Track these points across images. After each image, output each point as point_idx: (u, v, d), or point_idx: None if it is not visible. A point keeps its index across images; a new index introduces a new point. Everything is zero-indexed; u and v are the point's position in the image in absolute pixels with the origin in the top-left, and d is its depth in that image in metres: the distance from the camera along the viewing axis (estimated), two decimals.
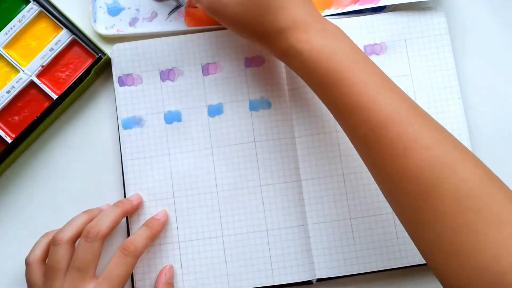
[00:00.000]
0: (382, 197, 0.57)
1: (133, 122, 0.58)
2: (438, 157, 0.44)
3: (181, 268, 0.56)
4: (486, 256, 0.40)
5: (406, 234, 0.56)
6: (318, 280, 0.57)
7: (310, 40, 0.49)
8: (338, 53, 0.48)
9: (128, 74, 0.59)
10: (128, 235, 0.57)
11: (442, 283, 0.44)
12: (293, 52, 0.49)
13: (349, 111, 0.47)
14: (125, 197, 0.58)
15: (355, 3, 0.60)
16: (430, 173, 0.43)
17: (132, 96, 0.59)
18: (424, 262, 0.55)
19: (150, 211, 0.57)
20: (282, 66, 0.59)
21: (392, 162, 0.45)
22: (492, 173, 0.45)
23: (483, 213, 0.41)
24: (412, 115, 0.46)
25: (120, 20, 0.60)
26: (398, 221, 0.56)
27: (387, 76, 0.49)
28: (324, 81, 0.48)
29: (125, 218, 0.57)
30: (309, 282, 0.57)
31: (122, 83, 0.59)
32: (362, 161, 0.57)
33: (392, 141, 0.45)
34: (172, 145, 0.58)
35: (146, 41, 0.59)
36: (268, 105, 0.58)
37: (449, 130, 0.57)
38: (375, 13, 0.60)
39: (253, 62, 0.59)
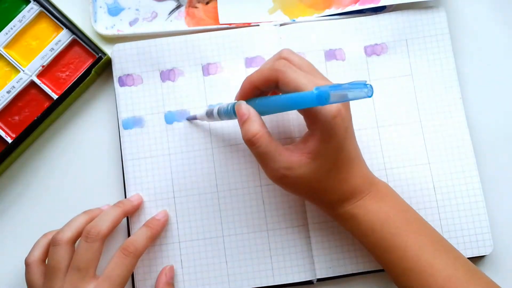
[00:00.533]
0: None
1: (134, 122, 0.58)
2: None
3: (182, 268, 0.56)
4: None
5: None
6: (318, 280, 0.57)
7: (365, 205, 0.50)
8: (391, 216, 0.50)
9: (128, 75, 0.59)
10: (129, 235, 0.57)
11: None
12: (347, 216, 0.50)
13: (407, 275, 0.48)
14: (125, 197, 0.58)
15: (356, 3, 0.60)
16: None
17: (132, 96, 0.59)
18: None
19: (151, 211, 0.57)
20: None
21: None
22: None
23: None
24: (469, 279, 0.47)
25: (121, 20, 0.61)
26: None
27: (441, 235, 0.51)
28: (379, 245, 0.49)
29: (125, 218, 0.57)
30: (309, 282, 0.57)
31: (122, 83, 0.59)
32: None
33: None
34: (173, 145, 0.58)
35: (146, 41, 0.59)
36: None
37: (450, 130, 0.57)
38: (376, 13, 0.60)
39: (253, 62, 0.59)
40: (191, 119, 0.58)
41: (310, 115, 0.48)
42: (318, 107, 0.46)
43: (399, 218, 0.50)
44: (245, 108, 0.48)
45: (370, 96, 0.42)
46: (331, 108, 0.46)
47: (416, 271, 0.47)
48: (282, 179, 0.49)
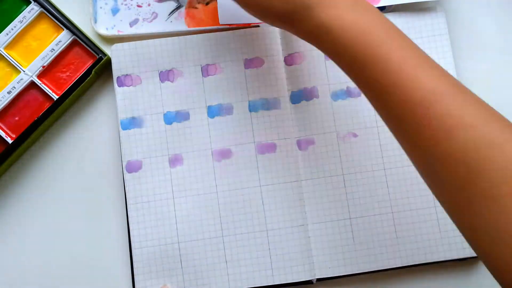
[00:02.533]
0: (381, 197, 0.57)
1: (132, 123, 0.58)
2: (484, 136, 0.41)
3: (181, 268, 0.56)
4: None
5: (405, 234, 0.56)
6: (318, 280, 0.57)
7: (341, 16, 0.45)
8: (371, 28, 0.45)
9: (127, 75, 0.59)
10: (129, 235, 0.57)
11: (494, 273, 0.40)
12: (322, 30, 0.45)
13: (386, 91, 0.44)
14: (125, 197, 0.57)
15: None
16: (477, 153, 0.40)
17: (131, 96, 0.59)
18: (424, 262, 0.56)
19: (150, 211, 0.57)
20: (282, 67, 0.59)
21: (435, 142, 0.42)
22: None
23: None
24: (454, 92, 0.43)
25: (121, 20, 0.60)
26: (398, 221, 0.57)
27: (425, 53, 0.46)
28: (357, 59, 0.45)
29: (125, 219, 0.58)
30: (309, 282, 0.57)
31: (121, 83, 0.59)
32: (361, 161, 0.57)
33: (434, 120, 0.42)
34: (172, 146, 0.58)
35: (145, 41, 0.59)
36: (268, 106, 0.58)
37: None
38: None
39: (252, 63, 0.59)
40: None
41: None
42: None
43: (380, 31, 0.45)
44: None
45: None
46: None
47: (398, 85, 0.43)
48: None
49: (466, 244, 0.56)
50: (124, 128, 0.58)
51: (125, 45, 0.59)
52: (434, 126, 0.42)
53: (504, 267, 0.39)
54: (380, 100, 0.45)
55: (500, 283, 0.40)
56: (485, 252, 0.41)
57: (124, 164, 0.58)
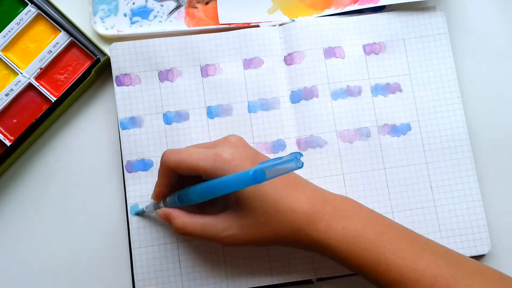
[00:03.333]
0: (381, 197, 0.57)
1: (132, 123, 0.58)
2: None
3: (181, 268, 0.57)
4: None
5: None
6: (318, 279, 0.57)
7: (329, 229, 0.49)
8: (360, 231, 0.49)
9: (125, 74, 0.58)
10: (129, 235, 0.57)
11: None
12: (318, 245, 0.49)
13: (394, 286, 0.47)
14: (125, 197, 0.57)
15: (355, 2, 0.60)
16: None
17: (130, 96, 0.58)
18: None
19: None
20: (281, 67, 0.59)
21: None
22: None
23: None
24: (455, 272, 0.47)
25: (120, 20, 0.60)
26: (398, 220, 0.57)
27: (412, 231, 0.50)
28: (359, 264, 0.48)
29: (125, 218, 0.58)
30: (309, 282, 0.57)
31: (119, 82, 0.58)
32: (361, 160, 0.57)
33: None
34: (171, 146, 0.58)
35: (144, 41, 0.59)
36: (267, 106, 0.58)
37: (448, 130, 0.58)
38: (375, 13, 0.60)
39: (251, 63, 0.59)
40: (140, 212, 0.58)
41: None
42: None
43: (368, 231, 0.49)
44: (161, 212, 0.53)
45: (300, 167, 0.43)
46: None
47: (402, 281, 0.47)
48: (232, 241, 0.50)
49: (466, 244, 0.57)
50: (124, 128, 0.58)
51: (124, 44, 0.59)
52: None
53: None
54: None
55: None
56: None
57: (124, 164, 0.58)
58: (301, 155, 0.44)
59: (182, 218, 0.52)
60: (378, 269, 0.48)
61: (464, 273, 0.47)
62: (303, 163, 0.43)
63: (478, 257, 0.58)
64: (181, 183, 0.53)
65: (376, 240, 0.48)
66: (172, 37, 0.59)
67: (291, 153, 0.43)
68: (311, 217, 0.49)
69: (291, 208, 0.49)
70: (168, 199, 0.53)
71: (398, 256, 0.47)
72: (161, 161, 0.52)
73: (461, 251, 0.56)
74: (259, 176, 0.41)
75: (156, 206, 0.54)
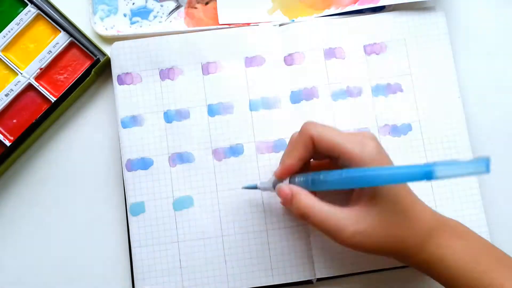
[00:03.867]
0: None
1: (132, 121, 0.58)
2: None
3: (181, 268, 0.57)
4: None
5: None
6: (318, 279, 0.57)
7: (450, 244, 0.47)
8: (478, 253, 0.47)
9: (127, 73, 0.59)
10: (129, 234, 0.57)
11: None
12: (434, 260, 0.48)
13: None
14: (125, 197, 0.57)
15: (355, 3, 0.60)
16: None
17: (131, 95, 0.58)
18: None
19: (150, 209, 0.57)
20: (282, 66, 0.59)
21: None
22: None
23: None
24: None
25: (120, 20, 0.60)
26: None
27: None
28: (473, 285, 0.46)
29: (125, 221, 0.58)
30: (309, 282, 0.57)
31: (121, 81, 0.58)
32: None
33: None
34: (172, 145, 0.58)
35: (145, 39, 0.59)
36: (269, 105, 0.58)
37: (448, 130, 0.58)
38: (375, 13, 0.60)
39: (253, 61, 0.59)
40: (251, 187, 0.56)
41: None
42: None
43: (486, 253, 0.48)
44: (287, 188, 0.49)
45: (486, 172, 0.39)
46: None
47: None
48: (358, 240, 0.47)
49: None
50: (124, 127, 0.58)
51: (126, 43, 0.59)
52: None
53: None
54: None
55: None
56: None
57: (124, 162, 0.58)
58: (489, 160, 0.40)
59: (309, 199, 0.48)
60: None
61: None
62: (489, 169, 0.40)
63: None
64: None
65: (493, 263, 0.47)
66: (173, 35, 0.59)
67: (477, 157, 0.41)
68: (434, 231, 0.48)
69: (419, 217, 0.48)
70: (297, 178, 0.50)
71: None
72: (301, 130, 0.49)
73: None
74: (431, 173, 0.39)
75: (275, 183, 0.52)
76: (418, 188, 0.57)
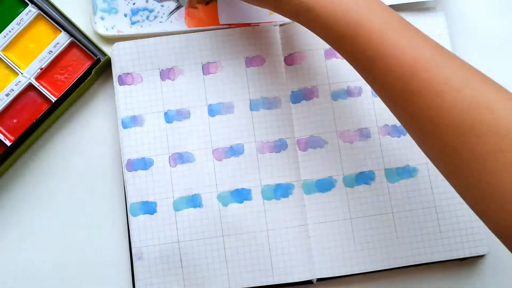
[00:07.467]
0: (382, 197, 0.57)
1: (133, 121, 0.58)
2: (471, 97, 0.42)
3: (181, 268, 0.57)
4: None
5: (405, 234, 0.56)
6: (318, 280, 0.57)
7: None
8: (350, 3, 0.46)
9: (127, 73, 0.59)
10: (129, 234, 0.57)
11: (490, 227, 0.43)
12: (304, 10, 0.47)
13: (371, 63, 0.45)
14: (125, 197, 0.57)
15: None
16: (466, 114, 0.41)
17: (132, 95, 0.58)
18: (424, 262, 0.56)
19: (150, 210, 0.57)
20: (282, 66, 0.59)
21: (423, 108, 0.43)
22: None
23: None
24: (438, 56, 0.44)
25: (121, 20, 0.60)
26: (398, 221, 0.57)
27: (405, 20, 0.47)
28: (340, 35, 0.46)
29: (125, 218, 0.58)
30: (309, 282, 0.57)
31: (121, 82, 0.58)
32: (361, 160, 0.57)
33: (421, 87, 0.43)
34: (172, 145, 0.58)
35: (146, 40, 0.59)
36: (269, 105, 0.58)
37: None
38: None
39: (254, 61, 0.59)
40: None
41: None
42: None
43: (359, 4, 0.46)
44: None
45: None
46: None
47: (382, 56, 0.44)
48: None
49: (466, 244, 0.57)
50: (125, 127, 0.58)
51: (126, 43, 0.59)
52: (422, 92, 0.43)
53: (498, 221, 0.41)
54: (367, 72, 0.47)
55: (499, 238, 0.42)
56: (480, 209, 0.43)
57: (124, 162, 0.58)
58: None
59: None
60: (358, 42, 0.46)
61: (448, 62, 0.45)
62: None
63: (478, 258, 0.58)
64: None
65: (365, 14, 0.46)
66: (173, 36, 0.59)
67: None
68: None
69: None
70: None
71: (384, 32, 0.45)
72: None
73: (461, 252, 0.56)
74: None
75: None
76: (418, 188, 0.57)
